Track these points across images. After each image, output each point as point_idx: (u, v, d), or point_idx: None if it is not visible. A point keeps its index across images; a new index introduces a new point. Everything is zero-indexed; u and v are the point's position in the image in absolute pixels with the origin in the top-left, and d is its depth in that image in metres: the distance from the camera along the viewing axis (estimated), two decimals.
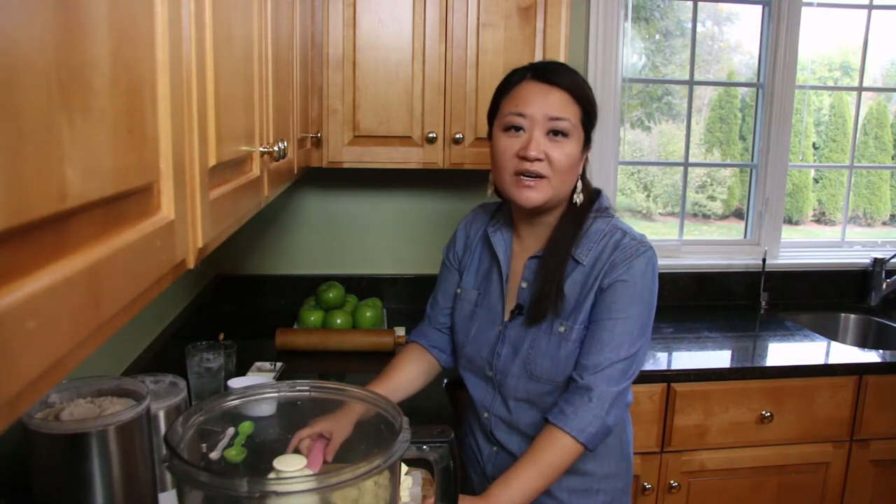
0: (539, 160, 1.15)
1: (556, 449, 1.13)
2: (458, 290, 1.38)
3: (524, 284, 1.27)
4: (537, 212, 1.22)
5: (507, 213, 1.33)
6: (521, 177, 1.17)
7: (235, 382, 1.48)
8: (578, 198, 1.23)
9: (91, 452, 0.88)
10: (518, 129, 1.17)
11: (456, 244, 1.42)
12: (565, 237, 1.22)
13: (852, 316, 2.54)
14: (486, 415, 1.34)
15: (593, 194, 1.28)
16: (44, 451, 0.88)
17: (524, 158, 1.15)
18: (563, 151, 1.16)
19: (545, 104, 1.15)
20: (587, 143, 1.21)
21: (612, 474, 1.31)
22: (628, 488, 1.36)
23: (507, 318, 1.29)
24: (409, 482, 1.11)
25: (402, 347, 1.46)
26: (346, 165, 1.93)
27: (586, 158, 1.24)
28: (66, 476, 0.88)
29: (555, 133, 1.15)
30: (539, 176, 1.16)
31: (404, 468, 1.12)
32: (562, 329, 1.21)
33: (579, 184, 1.23)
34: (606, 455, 1.29)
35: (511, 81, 1.21)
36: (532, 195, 1.17)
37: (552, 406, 1.20)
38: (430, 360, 1.42)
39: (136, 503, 0.93)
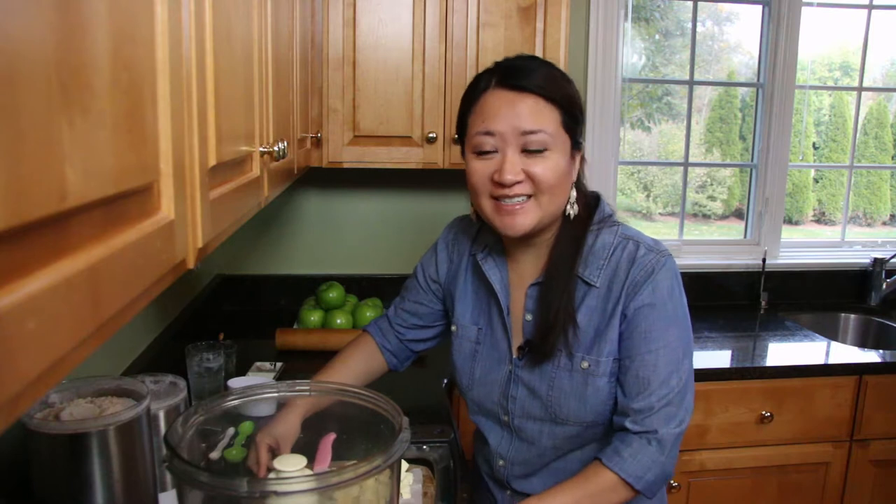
0: (518, 182, 0.99)
1: (606, 490, 1.00)
2: (454, 328, 1.22)
3: (528, 317, 1.11)
4: (527, 235, 1.06)
5: (493, 232, 1.13)
6: (502, 202, 1.01)
7: (235, 382, 1.48)
8: (572, 210, 1.06)
9: (91, 452, 0.88)
10: (489, 151, 1.01)
11: (438, 266, 1.27)
12: (567, 257, 1.06)
13: (852, 316, 2.54)
14: (501, 462, 1.19)
15: (591, 201, 1.12)
16: (44, 451, 0.88)
17: (500, 184, 1.00)
18: (546, 166, 1.00)
19: (515, 117, 0.99)
20: (576, 146, 1.05)
21: None
22: None
23: (515, 355, 1.13)
24: (410, 479, 1.11)
25: (356, 338, 1.33)
26: (346, 165, 1.93)
27: (580, 162, 1.07)
28: (66, 476, 0.88)
29: (530, 152, 1.00)
30: (524, 196, 1.01)
31: (405, 465, 1.12)
32: (585, 364, 1.06)
33: (573, 193, 1.06)
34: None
35: (476, 90, 1.04)
36: (518, 221, 1.01)
37: (577, 448, 1.10)
38: (380, 360, 1.30)
39: (136, 503, 0.93)
